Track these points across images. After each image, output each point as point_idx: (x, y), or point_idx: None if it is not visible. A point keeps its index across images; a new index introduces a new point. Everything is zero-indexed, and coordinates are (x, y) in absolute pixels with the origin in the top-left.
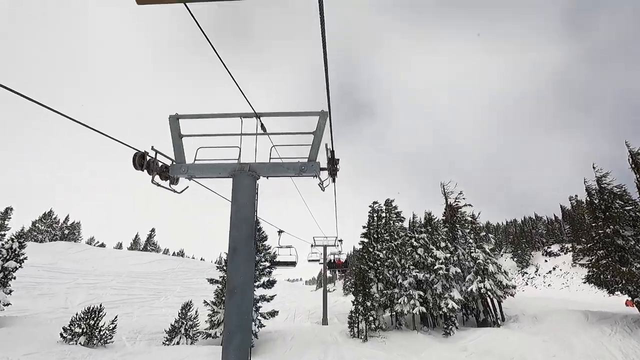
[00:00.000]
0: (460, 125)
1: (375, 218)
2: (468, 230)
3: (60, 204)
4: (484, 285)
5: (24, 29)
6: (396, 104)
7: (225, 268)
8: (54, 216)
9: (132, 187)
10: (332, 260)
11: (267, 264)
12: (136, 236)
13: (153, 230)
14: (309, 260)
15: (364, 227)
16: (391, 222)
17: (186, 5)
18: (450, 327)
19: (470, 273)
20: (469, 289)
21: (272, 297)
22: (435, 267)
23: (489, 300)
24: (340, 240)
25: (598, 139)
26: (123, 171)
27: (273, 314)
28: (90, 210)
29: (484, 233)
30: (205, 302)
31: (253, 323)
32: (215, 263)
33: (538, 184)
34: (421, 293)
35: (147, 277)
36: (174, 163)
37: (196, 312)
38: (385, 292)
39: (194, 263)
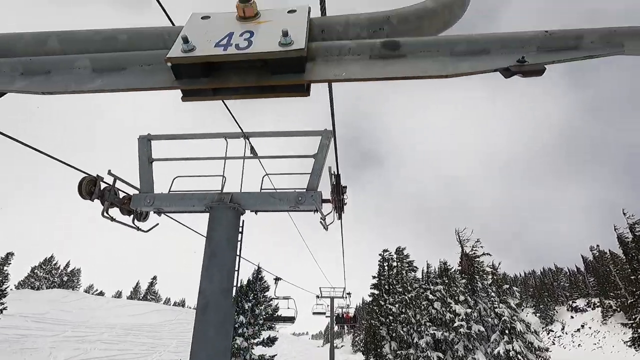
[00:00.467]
0: (470, 174)
1: (386, 267)
2: (489, 283)
3: (62, 249)
4: (513, 347)
5: None
6: (404, 153)
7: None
8: (54, 262)
9: (135, 232)
10: (341, 315)
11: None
12: (137, 284)
13: (154, 278)
14: (314, 313)
15: (373, 277)
16: (403, 272)
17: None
18: None
19: (495, 332)
20: (495, 352)
21: (272, 358)
22: (455, 325)
23: None
24: (349, 294)
25: (611, 188)
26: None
27: None
28: (92, 256)
29: (507, 286)
30: None
31: None
32: None
33: (554, 233)
34: (440, 355)
35: (142, 329)
36: (140, 193)
37: None
38: (399, 352)
39: (194, 314)
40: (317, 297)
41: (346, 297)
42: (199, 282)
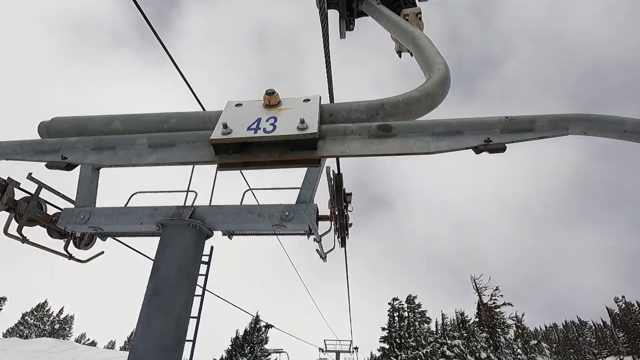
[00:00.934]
0: (482, 221)
1: (397, 318)
2: (513, 337)
3: (57, 294)
4: None
5: None
6: (413, 199)
7: None
8: (47, 308)
9: (132, 277)
10: None
11: None
12: (131, 334)
13: None
14: None
15: (383, 328)
16: (416, 323)
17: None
18: None
19: None
20: None
21: None
22: None
23: None
24: (356, 348)
25: (631, 235)
26: (123, 258)
27: None
28: (88, 301)
29: (535, 341)
30: None
31: None
32: None
33: (574, 284)
34: None
35: None
36: (73, 208)
37: None
38: None
39: None
40: (320, 350)
41: (353, 352)
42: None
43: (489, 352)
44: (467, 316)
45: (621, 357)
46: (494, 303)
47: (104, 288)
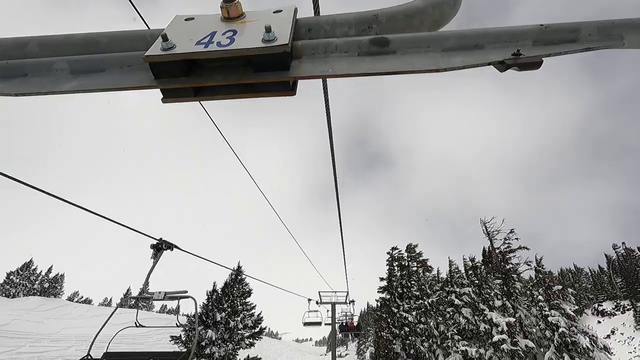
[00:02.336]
0: (483, 173)
1: (397, 268)
2: (532, 284)
3: (44, 254)
4: None
5: None
6: (414, 153)
7: (190, 337)
8: (33, 267)
9: (126, 239)
10: (345, 324)
11: (247, 332)
12: (127, 291)
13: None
14: (305, 324)
15: (381, 278)
16: (420, 271)
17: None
18: None
19: (549, 349)
20: None
21: None
22: (495, 339)
23: None
24: (352, 301)
25: (628, 188)
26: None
27: None
28: (79, 262)
29: (560, 287)
30: None
31: None
32: None
33: (572, 235)
34: None
35: (122, 340)
36: None
37: None
38: None
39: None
40: (309, 300)
41: (350, 304)
42: None
43: (504, 299)
44: (478, 262)
45: (618, 301)
46: (508, 247)
47: (96, 248)
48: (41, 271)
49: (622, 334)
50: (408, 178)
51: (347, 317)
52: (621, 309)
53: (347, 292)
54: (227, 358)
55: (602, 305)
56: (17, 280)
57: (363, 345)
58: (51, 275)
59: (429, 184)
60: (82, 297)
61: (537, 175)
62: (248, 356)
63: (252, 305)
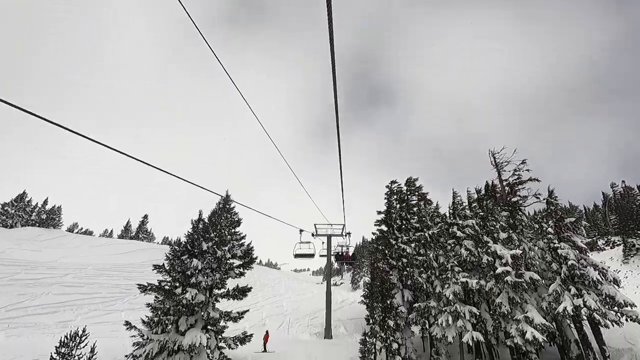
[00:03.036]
0: (486, 110)
1: (395, 202)
2: (543, 215)
3: (39, 187)
4: (585, 302)
5: None
6: (417, 90)
7: (174, 266)
8: (27, 199)
9: (128, 168)
10: (340, 252)
11: (236, 261)
12: (127, 223)
13: (145, 217)
14: (296, 256)
15: (379, 212)
16: (421, 203)
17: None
18: None
19: (555, 281)
20: (560, 309)
21: (241, 315)
22: (499, 271)
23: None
24: (349, 233)
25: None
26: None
27: (243, 339)
28: (76, 194)
29: (573, 219)
30: (127, 323)
31: (207, 357)
32: None
33: (569, 173)
34: (474, 310)
35: (120, 269)
36: None
37: (93, 346)
38: (416, 304)
39: None
40: (301, 231)
41: (346, 237)
42: None
43: (509, 232)
44: (483, 194)
45: (610, 237)
46: (517, 179)
47: (93, 181)
48: (37, 203)
49: (609, 267)
50: (410, 116)
51: (343, 248)
52: (611, 245)
53: (344, 224)
54: (214, 287)
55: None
56: (13, 211)
57: (357, 275)
58: (48, 207)
59: (432, 123)
60: (82, 228)
61: (542, 113)
62: (237, 285)
63: (242, 235)
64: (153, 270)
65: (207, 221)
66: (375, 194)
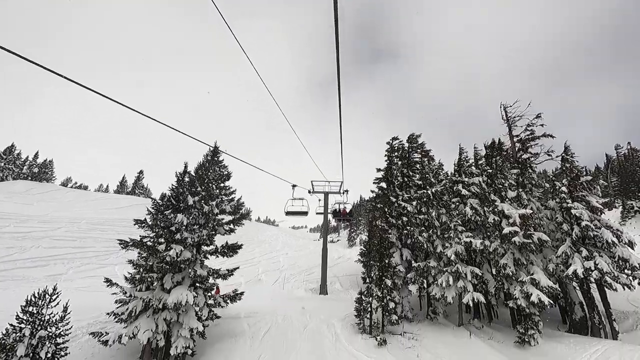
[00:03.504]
0: (493, 70)
1: (396, 159)
2: (556, 173)
3: (29, 141)
4: (596, 264)
5: None
6: (422, 47)
7: (156, 221)
8: (16, 152)
9: (125, 123)
10: (338, 210)
11: (226, 217)
12: (123, 179)
13: (141, 172)
14: (287, 213)
15: (379, 169)
16: (425, 160)
17: None
18: (531, 333)
19: (565, 243)
20: (570, 272)
21: (231, 272)
22: (506, 231)
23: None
24: (346, 191)
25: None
26: (111, 107)
27: (233, 297)
28: (70, 149)
29: (590, 177)
30: (107, 280)
31: (195, 316)
32: None
33: (574, 134)
34: (477, 271)
35: (114, 224)
36: None
37: (66, 305)
38: (415, 264)
39: None
40: (293, 187)
41: (344, 194)
42: None
43: (519, 190)
44: (503, 142)
45: (610, 198)
46: (530, 134)
47: (89, 133)
48: (27, 156)
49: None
50: (414, 74)
51: (341, 205)
52: (609, 207)
53: (342, 181)
54: (202, 244)
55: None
56: (2, 164)
57: (354, 233)
58: (39, 161)
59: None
60: (76, 183)
61: (550, 72)
62: (226, 242)
63: (231, 190)
64: (135, 225)
65: (193, 174)
66: (374, 153)
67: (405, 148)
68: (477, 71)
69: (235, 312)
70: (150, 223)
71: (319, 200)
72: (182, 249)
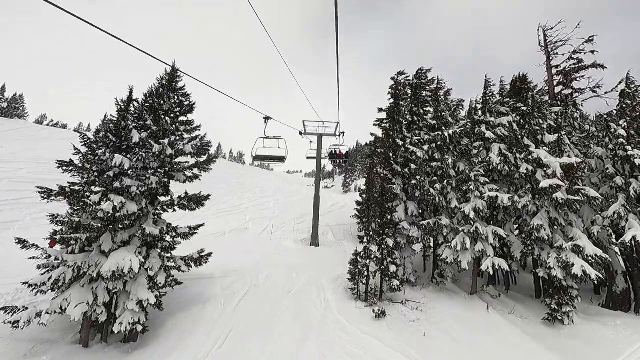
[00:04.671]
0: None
1: (403, 95)
2: (611, 114)
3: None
4: None
5: None
6: None
7: (90, 163)
8: None
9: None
10: (334, 152)
11: (189, 160)
12: (105, 117)
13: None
14: (255, 158)
15: (381, 109)
16: (440, 93)
17: None
18: (566, 310)
19: (617, 201)
20: (627, 238)
21: (193, 231)
22: (544, 185)
23: None
24: (342, 133)
25: None
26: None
27: (198, 259)
28: (43, 82)
29: None
30: (21, 241)
31: (146, 284)
32: None
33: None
34: (501, 232)
35: None
36: None
37: None
38: (424, 222)
39: None
40: (266, 120)
41: (339, 136)
42: None
43: (561, 133)
44: (531, 80)
45: None
46: (576, 64)
47: (65, 66)
48: None
49: None
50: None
51: (336, 147)
52: None
53: (338, 122)
54: (151, 195)
55: None
56: None
57: (349, 179)
58: (8, 95)
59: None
60: (53, 120)
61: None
62: (186, 192)
63: (195, 126)
64: (57, 167)
65: (141, 103)
66: (375, 96)
67: (413, 85)
68: (485, 15)
69: (209, 271)
70: (80, 165)
71: (310, 142)
72: (124, 201)
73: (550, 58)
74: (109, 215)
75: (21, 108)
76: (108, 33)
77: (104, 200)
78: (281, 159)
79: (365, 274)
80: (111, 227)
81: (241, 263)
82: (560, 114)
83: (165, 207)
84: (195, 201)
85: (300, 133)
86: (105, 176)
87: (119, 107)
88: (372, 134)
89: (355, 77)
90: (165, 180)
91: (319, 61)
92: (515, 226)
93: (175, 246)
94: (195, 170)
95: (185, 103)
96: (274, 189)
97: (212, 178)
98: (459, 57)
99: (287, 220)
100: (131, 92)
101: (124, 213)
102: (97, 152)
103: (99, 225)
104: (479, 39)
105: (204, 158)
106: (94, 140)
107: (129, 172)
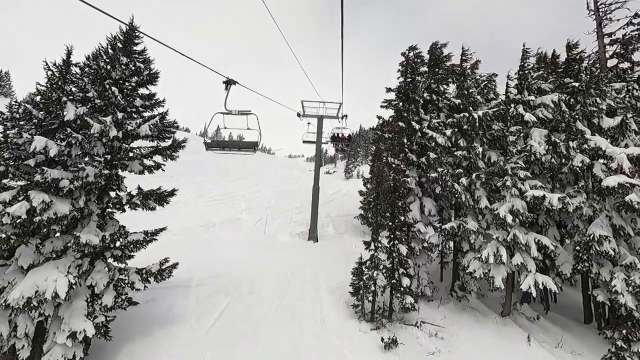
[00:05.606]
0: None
1: (414, 72)
2: None
3: None
4: None
5: None
6: None
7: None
8: None
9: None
10: (337, 135)
11: (149, 143)
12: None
13: None
14: (209, 146)
15: (389, 89)
16: (465, 65)
17: None
18: (639, 350)
19: None
20: None
21: (150, 237)
22: (610, 183)
23: None
24: (345, 116)
25: None
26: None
27: (159, 273)
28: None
29: None
30: None
31: (85, 308)
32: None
33: None
34: (547, 241)
35: None
36: None
37: None
38: (445, 226)
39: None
40: (299, 115)
41: (342, 119)
42: None
43: (626, 116)
44: (584, 50)
45: None
46: (638, 30)
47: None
48: None
49: None
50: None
51: (338, 130)
52: None
53: (341, 103)
54: (98, 190)
55: None
56: None
57: (351, 165)
58: None
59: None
60: None
61: None
62: (138, 186)
63: (156, 101)
64: None
65: (81, 68)
66: (380, 77)
67: (426, 62)
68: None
69: (186, 277)
70: None
71: (308, 124)
72: (48, 200)
73: (603, 24)
74: (24, 220)
75: (7, 86)
76: None
77: (19, 199)
78: (250, 146)
79: (372, 288)
80: (32, 236)
81: (226, 264)
82: (623, 92)
83: (115, 205)
84: (155, 198)
85: (299, 115)
86: (24, 165)
87: (50, 73)
88: (378, 117)
89: (356, 60)
90: (112, 171)
91: (320, 45)
92: (562, 233)
93: (131, 254)
94: (158, 158)
95: (145, 72)
96: (273, 174)
97: (206, 161)
98: (472, 44)
99: (284, 210)
100: (69, 53)
101: (49, 216)
102: (8, 132)
103: (9, 234)
104: (493, 22)
105: (168, 143)
106: (9, 117)
107: (58, 160)
